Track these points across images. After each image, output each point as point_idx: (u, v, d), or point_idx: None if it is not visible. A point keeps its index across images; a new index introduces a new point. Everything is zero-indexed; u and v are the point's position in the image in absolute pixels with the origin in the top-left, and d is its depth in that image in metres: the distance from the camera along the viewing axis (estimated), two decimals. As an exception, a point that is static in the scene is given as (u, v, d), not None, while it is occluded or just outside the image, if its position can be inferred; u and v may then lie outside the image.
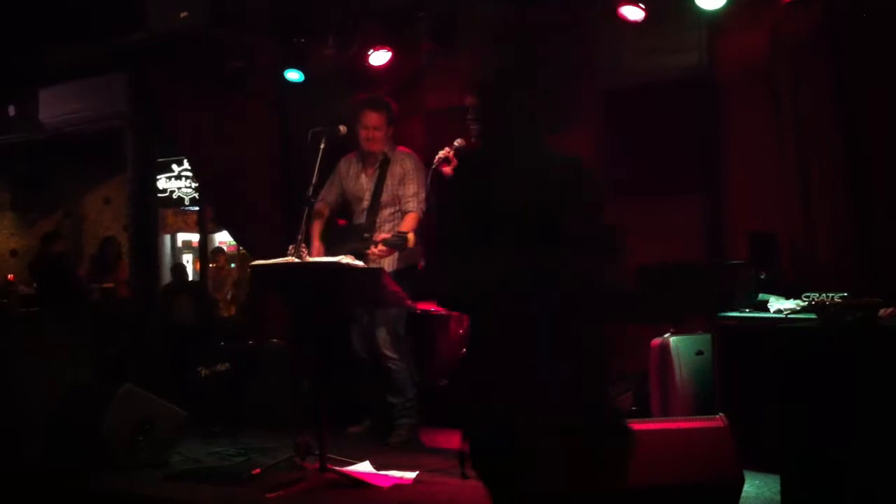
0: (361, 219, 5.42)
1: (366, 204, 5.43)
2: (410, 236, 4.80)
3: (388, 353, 5.31)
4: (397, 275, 5.12)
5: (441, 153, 4.71)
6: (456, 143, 4.71)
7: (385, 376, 5.37)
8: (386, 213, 5.37)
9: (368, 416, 5.63)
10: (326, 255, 5.22)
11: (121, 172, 8.21)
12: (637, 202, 5.93)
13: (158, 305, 7.75)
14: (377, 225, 5.34)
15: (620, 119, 5.95)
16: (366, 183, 5.45)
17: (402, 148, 5.53)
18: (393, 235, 4.87)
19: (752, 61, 5.35)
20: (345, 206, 5.62)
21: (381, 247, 4.87)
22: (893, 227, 4.82)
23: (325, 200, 5.54)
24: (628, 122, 5.92)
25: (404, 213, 5.33)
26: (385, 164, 5.40)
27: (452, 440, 5.38)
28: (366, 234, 5.26)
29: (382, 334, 5.32)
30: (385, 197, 5.36)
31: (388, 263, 5.14)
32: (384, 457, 4.77)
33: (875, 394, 3.34)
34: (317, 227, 5.44)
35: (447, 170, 4.67)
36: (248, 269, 5.76)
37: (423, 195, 5.31)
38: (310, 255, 4.77)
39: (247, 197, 7.02)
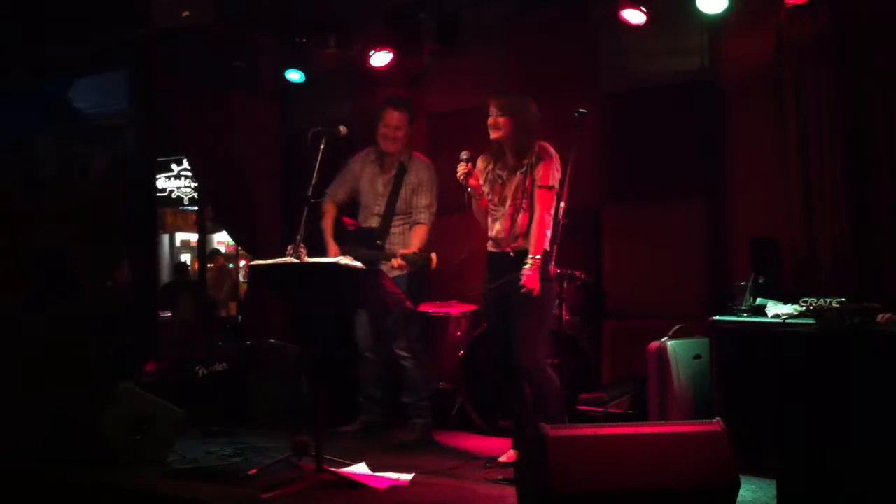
0: (373, 223, 5.38)
1: (378, 209, 5.38)
2: (433, 257, 4.83)
3: (401, 351, 5.32)
4: (409, 277, 5.16)
5: (461, 168, 4.49)
6: (463, 156, 4.54)
7: (399, 375, 5.38)
8: (397, 221, 5.35)
9: (361, 415, 5.61)
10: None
11: (120, 170, 8.20)
12: (639, 206, 5.93)
13: (157, 304, 7.74)
14: (389, 233, 5.33)
15: (623, 122, 5.94)
16: (381, 189, 5.40)
17: (418, 154, 5.47)
18: (415, 254, 4.85)
19: (756, 65, 5.33)
20: (353, 206, 5.56)
21: (400, 262, 4.87)
22: (894, 232, 4.81)
23: (333, 198, 5.49)
24: (631, 125, 5.91)
25: (415, 223, 5.32)
26: (402, 172, 5.35)
27: (449, 441, 5.39)
28: (378, 242, 5.25)
29: (395, 333, 5.31)
30: (399, 206, 5.34)
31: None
32: (380, 458, 4.76)
33: (872, 399, 3.33)
34: (328, 227, 5.40)
35: (473, 182, 4.55)
36: (247, 269, 5.74)
37: (434, 208, 5.33)
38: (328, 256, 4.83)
39: (247, 196, 7.00)
